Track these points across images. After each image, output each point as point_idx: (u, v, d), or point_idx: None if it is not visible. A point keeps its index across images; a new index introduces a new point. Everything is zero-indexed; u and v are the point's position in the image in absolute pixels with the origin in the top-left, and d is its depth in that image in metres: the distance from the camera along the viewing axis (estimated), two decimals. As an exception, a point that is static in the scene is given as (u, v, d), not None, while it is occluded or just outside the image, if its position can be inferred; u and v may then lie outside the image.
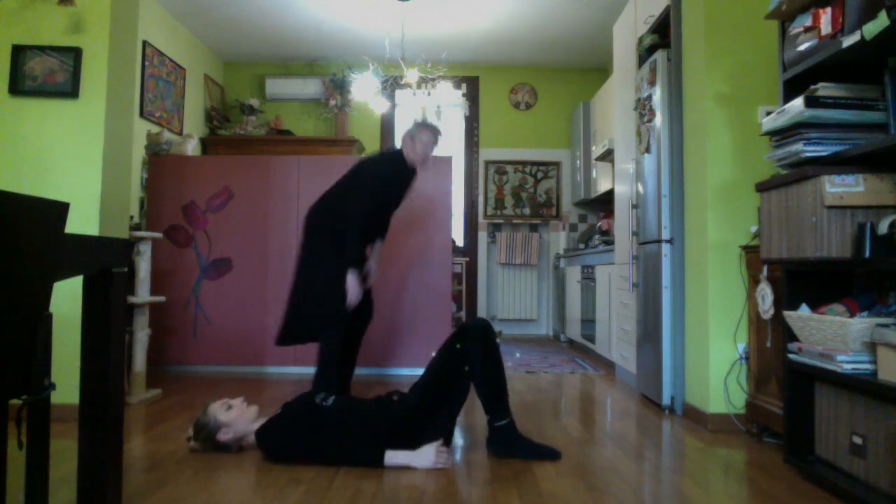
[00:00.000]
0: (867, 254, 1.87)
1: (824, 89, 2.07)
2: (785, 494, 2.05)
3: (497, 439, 2.42)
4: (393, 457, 2.25)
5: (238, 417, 2.39)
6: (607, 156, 5.49)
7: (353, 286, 3.08)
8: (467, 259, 6.45)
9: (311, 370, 4.35)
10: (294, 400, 2.46)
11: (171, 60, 5.50)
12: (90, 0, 3.04)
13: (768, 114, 2.31)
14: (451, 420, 2.41)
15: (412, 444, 2.30)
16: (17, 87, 3.00)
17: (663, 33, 3.62)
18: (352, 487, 2.05)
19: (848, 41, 1.90)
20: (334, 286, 3.10)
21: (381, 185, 3.18)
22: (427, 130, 3.21)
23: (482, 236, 6.84)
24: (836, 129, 2.06)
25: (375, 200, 3.17)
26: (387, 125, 6.80)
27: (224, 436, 2.37)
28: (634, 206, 3.71)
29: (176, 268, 4.39)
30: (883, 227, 1.86)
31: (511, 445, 2.39)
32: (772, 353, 2.63)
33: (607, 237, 5.52)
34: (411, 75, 5.52)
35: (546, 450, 2.41)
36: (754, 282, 2.76)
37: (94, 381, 1.52)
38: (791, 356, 2.24)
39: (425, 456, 2.25)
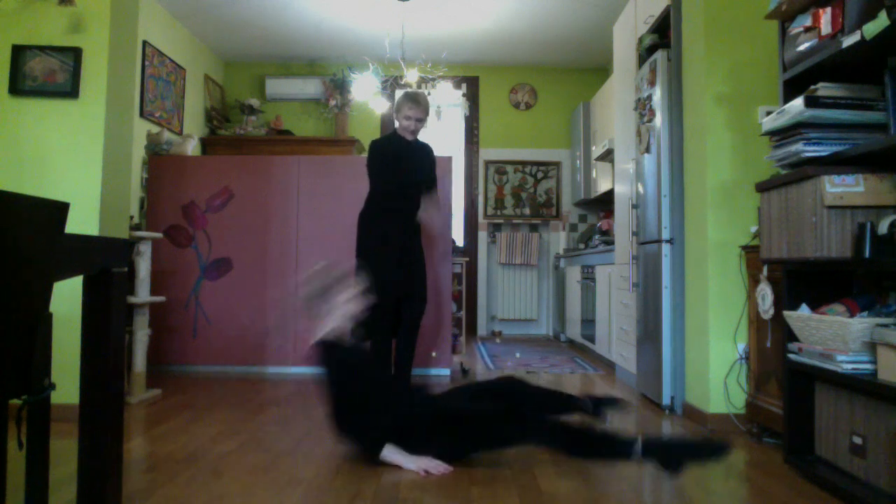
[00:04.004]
0: (867, 254, 1.87)
1: (824, 89, 2.07)
2: (785, 494, 2.05)
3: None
4: (390, 453, 2.24)
5: (342, 309, 2.44)
6: (607, 156, 5.49)
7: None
8: (467, 259, 6.44)
9: (310, 371, 4.36)
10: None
11: (171, 60, 5.50)
12: (90, 0, 3.04)
13: (768, 114, 2.32)
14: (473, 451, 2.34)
15: (415, 447, 2.27)
16: (17, 87, 3.00)
17: (663, 33, 3.62)
18: (352, 487, 2.05)
19: (848, 41, 1.90)
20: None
21: (370, 159, 3.44)
22: (406, 100, 3.40)
23: (482, 236, 6.84)
24: (836, 129, 2.06)
25: (373, 172, 3.40)
26: (387, 125, 6.80)
27: (318, 307, 2.43)
28: (634, 206, 3.70)
29: (176, 268, 4.39)
30: (883, 227, 1.86)
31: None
32: (772, 353, 2.63)
33: (607, 237, 5.52)
34: (411, 75, 5.52)
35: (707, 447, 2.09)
36: (754, 282, 2.76)
37: (94, 381, 1.51)
38: (791, 356, 2.24)
39: (418, 461, 2.23)
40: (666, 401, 3.23)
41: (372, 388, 2.38)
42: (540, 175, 6.87)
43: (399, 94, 3.54)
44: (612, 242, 4.91)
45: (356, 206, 4.38)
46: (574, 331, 5.82)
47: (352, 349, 2.43)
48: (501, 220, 6.84)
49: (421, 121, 3.41)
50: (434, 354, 4.30)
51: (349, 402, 2.33)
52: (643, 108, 3.56)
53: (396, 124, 3.49)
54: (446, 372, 4.26)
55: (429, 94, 5.48)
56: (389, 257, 3.33)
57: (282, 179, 4.44)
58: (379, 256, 3.31)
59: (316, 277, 2.46)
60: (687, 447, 2.09)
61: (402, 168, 3.40)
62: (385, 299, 3.29)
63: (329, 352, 2.38)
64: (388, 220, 3.36)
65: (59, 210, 1.16)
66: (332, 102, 6.46)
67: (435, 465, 2.21)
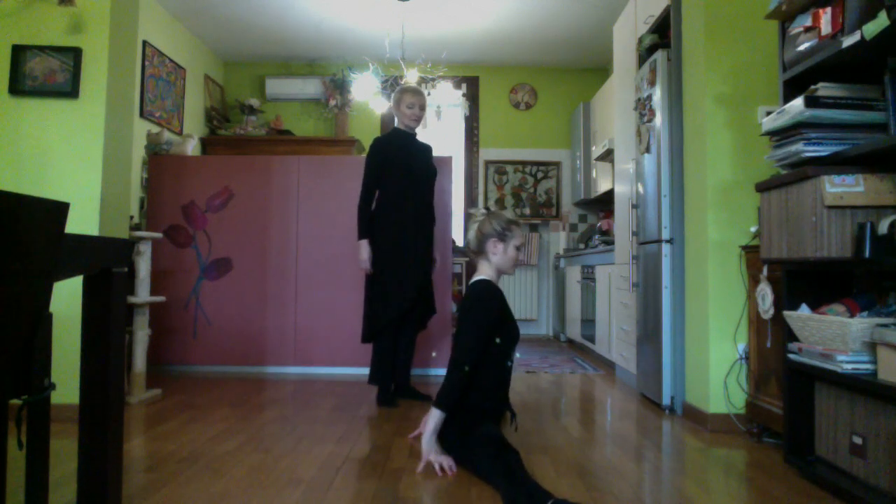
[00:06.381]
0: (867, 254, 1.87)
1: (824, 89, 2.07)
2: (785, 494, 2.05)
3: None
4: (434, 419, 2.24)
5: (508, 257, 2.46)
6: (607, 156, 5.49)
7: (361, 252, 3.36)
8: (467, 259, 6.45)
9: (310, 370, 4.37)
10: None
11: (171, 60, 5.50)
12: (90, 0, 3.04)
13: (768, 114, 2.31)
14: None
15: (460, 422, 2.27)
16: (17, 87, 3.00)
17: (663, 33, 3.62)
18: (352, 487, 2.05)
19: (848, 41, 1.91)
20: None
21: (370, 155, 3.43)
22: (405, 91, 3.46)
23: (482, 236, 6.83)
24: (836, 129, 2.06)
25: (369, 169, 3.39)
26: (387, 125, 6.80)
27: (494, 245, 2.44)
28: (634, 206, 3.70)
29: (176, 268, 4.39)
30: (883, 227, 1.86)
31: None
32: (772, 353, 2.63)
33: (607, 237, 5.52)
34: (411, 75, 5.52)
35: None
36: (754, 282, 2.76)
37: (94, 381, 1.51)
38: (791, 356, 2.24)
39: (439, 456, 2.22)
40: (666, 401, 3.23)
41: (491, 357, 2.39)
42: (540, 175, 6.87)
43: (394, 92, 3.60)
44: (612, 242, 4.91)
45: (356, 207, 4.40)
46: (574, 331, 5.82)
47: (491, 301, 2.42)
48: (501, 220, 6.83)
49: (423, 108, 3.49)
50: (434, 354, 4.31)
51: (478, 342, 2.33)
52: (643, 108, 3.56)
53: (396, 121, 3.52)
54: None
55: (429, 94, 5.48)
56: (406, 257, 3.34)
57: (282, 179, 4.44)
58: (396, 257, 3.33)
59: (497, 218, 2.47)
60: None
61: (410, 164, 3.42)
62: (401, 300, 3.32)
63: (480, 293, 2.40)
64: (402, 219, 3.37)
65: (59, 210, 1.16)
66: (332, 102, 6.46)
67: (448, 465, 2.20)
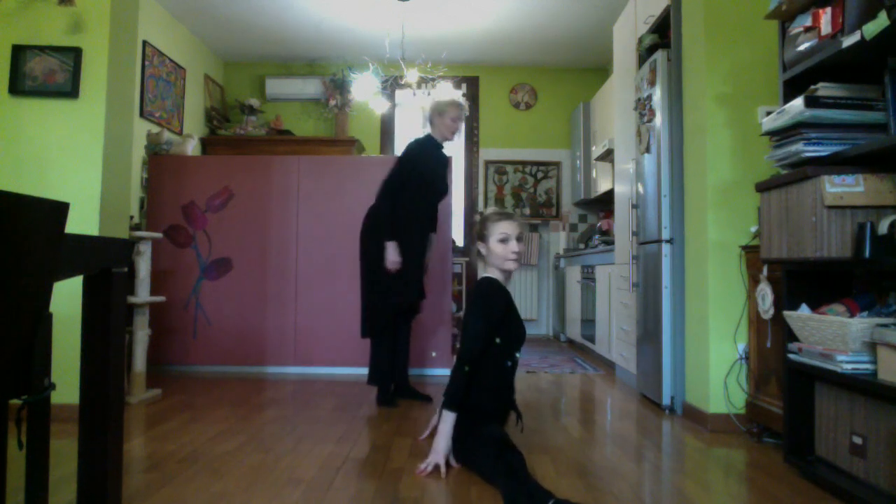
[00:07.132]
0: (867, 254, 1.87)
1: (824, 89, 2.07)
2: (785, 494, 2.05)
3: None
4: (447, 420, 2.23)
5: (494, 253, 2.41)
6: (607, 156, 5.49)
7: (391, 253, 3.28)
8: (467, 259, 6.45)
9: (310, 370, 4.37)
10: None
11: (171, 60, 5.50)
12: (90, 0, 3.04)
13: (768, 114, 2.32)
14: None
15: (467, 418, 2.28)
16: (17, 87, 3.00)
17: (663, 33, 3.62)
18: (352, 487, 2.05)
19: (848, 41, 1.91)
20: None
21: (408, 158, 3.37)
22: (452, 105, 3.46)
23: (482, 236, 6.83)
24: (836, 129, 2.06)
25: (399, 172, 3.33)
26: (387, 125, 6.80)
27: (481, 247, 2.44)
28: (634, 206, 3.70)
29: (176, 268, 4.39)
30: (883, 227, 1.86)
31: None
32: (772, 353, 2.63)
33: (607, 237, 5.52)
34: (411, 75, 5.52)
35: None
36: (754, 282, 2.76)
37: (94, 381, 1.51)
38: (791, 356, 2.24)
39: (442, 455, 2.22)
40: (666, 401, 3.23)
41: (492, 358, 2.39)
42: (540, 175, 6.87)
43: (432, 98, 3.66)
44: (612, 242, 4.91)
45: (356, 206, 4.40)
46: (574, 331, 5.82)
47: (492, 298, 2.41)
48: (501, 220, 6.82)
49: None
50: (434, 354, 4.31)
51: (478, 341, 2.33)
52: (643, 108, 3.56)
53: (432, 128, 3.47)
54: (445, 372, 4.25)
55: (428, 94, 5.49)
56: (410, 259, 3.35)
57: (282, 179, 4.44)
58: (401, 257, 3.33)
59: (479, 219, 2.47)
60: None
61: (434, 179, 3.44)
62: (404, 299, 3.35)
63: (483, 290, 2.40)
64: (412, 224, 3.37)
65: (59, 210, 1.16)
66: (332, 102, 6.46)
67: (442, 469, 2.19)
